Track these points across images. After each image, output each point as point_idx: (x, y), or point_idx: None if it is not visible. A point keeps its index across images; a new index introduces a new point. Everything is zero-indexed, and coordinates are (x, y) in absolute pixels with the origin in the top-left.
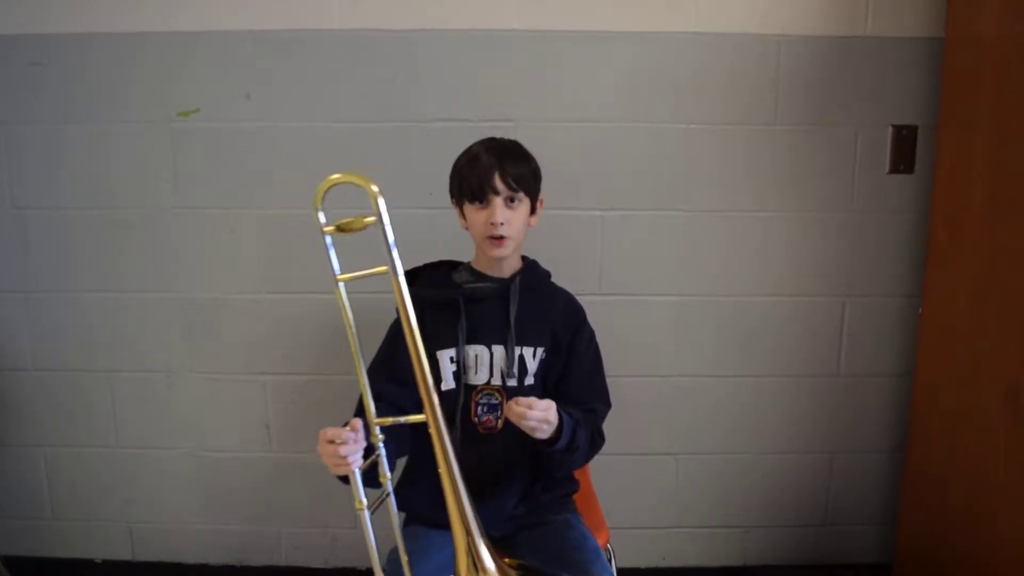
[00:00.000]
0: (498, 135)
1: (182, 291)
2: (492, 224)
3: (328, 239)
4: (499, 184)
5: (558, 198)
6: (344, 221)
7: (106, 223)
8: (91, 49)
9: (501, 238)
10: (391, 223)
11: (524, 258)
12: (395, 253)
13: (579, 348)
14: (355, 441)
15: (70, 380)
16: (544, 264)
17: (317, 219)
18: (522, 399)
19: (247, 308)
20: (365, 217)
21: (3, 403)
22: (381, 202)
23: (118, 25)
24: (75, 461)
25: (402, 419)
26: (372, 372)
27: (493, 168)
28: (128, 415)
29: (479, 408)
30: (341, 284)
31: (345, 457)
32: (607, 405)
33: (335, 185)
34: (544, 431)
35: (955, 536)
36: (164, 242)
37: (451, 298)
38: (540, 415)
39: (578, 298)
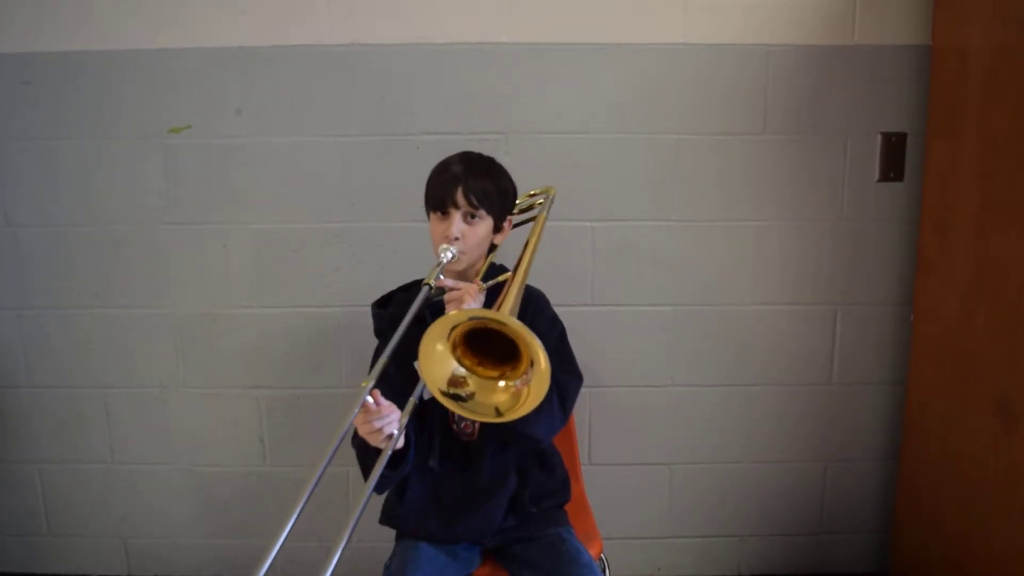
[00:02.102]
0: (488, 148)
1: (175, 306)
2: (447, 237)
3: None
4: (460, 199)
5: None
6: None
7: (99, 239)
8: (83, 67)
9: None
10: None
11: (491, 265)
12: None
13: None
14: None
15: (64, 396)
16: (536, 275)
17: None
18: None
19: (240, 322)
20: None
21: None
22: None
23: (109, 43)
24: (70, 477)
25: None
26: None
27: (458, 182)
28: (123, 430)
29: (457, 415)
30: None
31: (380, 429)
32: (577, 377)
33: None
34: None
35: (948, 544)
36: (157, 257)
37: (420, 314)
38: (458, 290)
39: (570, 309)
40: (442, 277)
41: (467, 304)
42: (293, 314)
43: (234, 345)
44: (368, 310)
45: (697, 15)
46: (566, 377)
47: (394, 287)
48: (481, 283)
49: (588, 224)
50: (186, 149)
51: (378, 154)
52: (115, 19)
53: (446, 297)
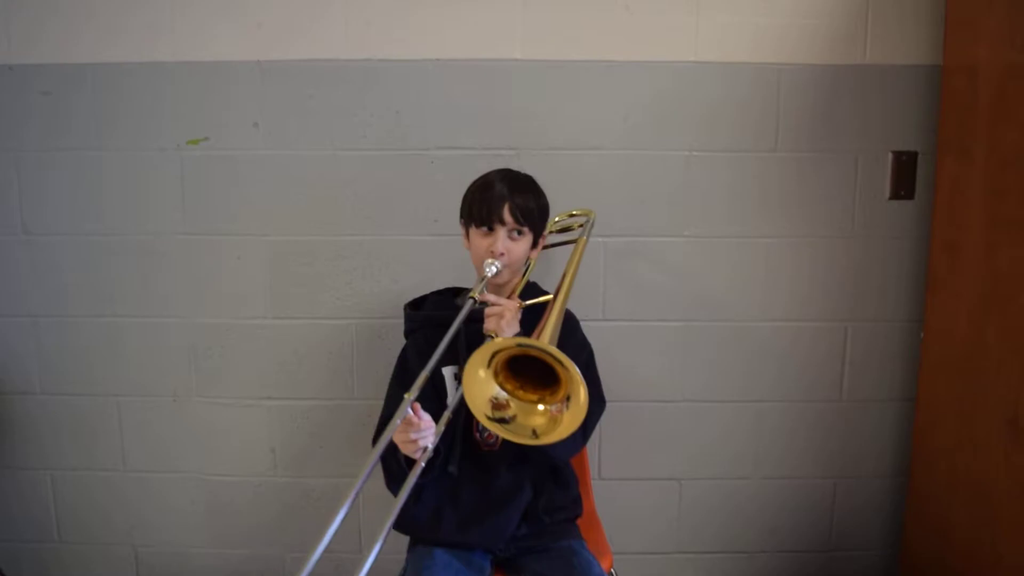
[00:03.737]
0: (501, 164)
1: (189, 316)
2: (492, 252)
3: None
4: (507, 216)
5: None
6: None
7: (115, 249)
8: (101, 78)
9: None
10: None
11: (528, 283)
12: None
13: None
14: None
15: (77, 404)
16: (548, 289)
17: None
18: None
19: (253, 333)
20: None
21: (10, 427)
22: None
23: (127, 55)
24: (81, 485)
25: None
26: (390, 401)
27: (504, 199)
28: (134, 439)
29: (480, 424)
30: None
31: (415, 441)
32: (600, 402)
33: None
34: (503, 328)
35: (958, 561)
36: (172, 268)
37: (452, 318)
38: (499, 306)
39: (582, 323)
40: (485, 291)
41: (506, 319)
42: (306, 326)
43: (247, 356)
44: (383, 322)
45: (709, 34)
46: (590, 402)
47: (406, 300)
48: (520, 301)
49: (600, 239)
50: (203, 161)
51: (392, 168)
52: (132, 32)
53: (486, 311)
